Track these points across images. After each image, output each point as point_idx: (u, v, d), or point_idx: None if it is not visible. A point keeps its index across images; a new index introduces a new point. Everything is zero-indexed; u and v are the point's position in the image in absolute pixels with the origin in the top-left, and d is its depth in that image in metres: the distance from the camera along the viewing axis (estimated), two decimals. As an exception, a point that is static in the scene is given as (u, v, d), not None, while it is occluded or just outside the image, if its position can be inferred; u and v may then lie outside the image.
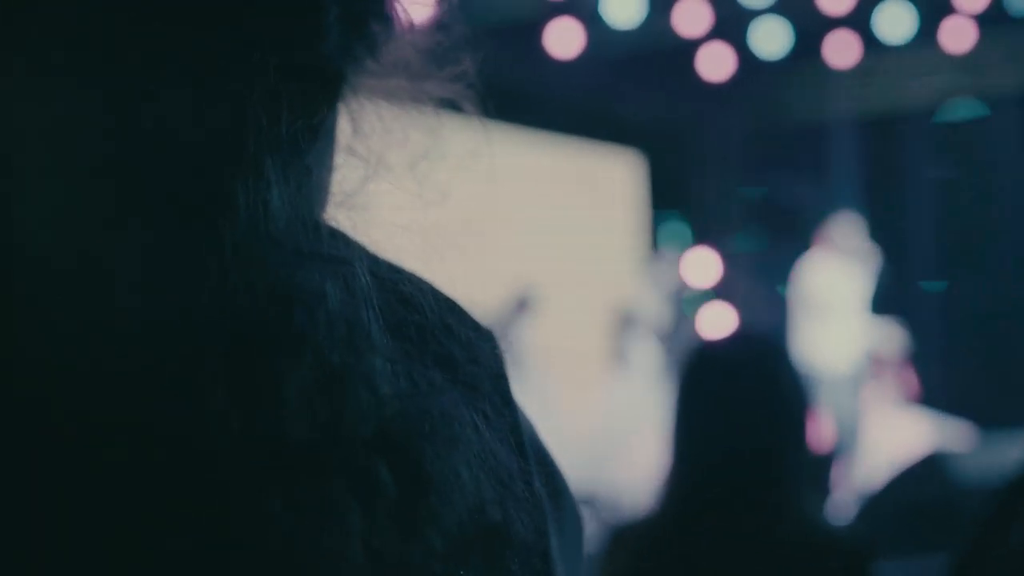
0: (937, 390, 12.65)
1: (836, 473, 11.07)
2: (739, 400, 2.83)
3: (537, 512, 0.77)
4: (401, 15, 0.85)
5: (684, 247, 19.47)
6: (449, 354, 0.77)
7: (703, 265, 12.96)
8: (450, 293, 0.81)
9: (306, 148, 0.77)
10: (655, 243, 19.33)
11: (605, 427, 11.02)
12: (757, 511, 2.76)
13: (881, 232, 22.40)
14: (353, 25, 0.81)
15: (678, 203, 21.58)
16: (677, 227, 20.74)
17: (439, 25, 0.90)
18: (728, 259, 18.59)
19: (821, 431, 5.62)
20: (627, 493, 9.26)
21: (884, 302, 11.22)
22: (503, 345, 0.82)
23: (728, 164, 20.73)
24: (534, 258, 15.05)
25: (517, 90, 17.70)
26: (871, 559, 2.83)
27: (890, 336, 11.27)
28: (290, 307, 0.70)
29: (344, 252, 0.76)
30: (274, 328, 0.69)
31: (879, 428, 10.52)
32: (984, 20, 14.40)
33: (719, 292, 14.65)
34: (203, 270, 0.68)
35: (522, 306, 11.50)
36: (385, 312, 0.74)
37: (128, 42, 0.71)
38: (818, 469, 5.48)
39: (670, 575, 2.80)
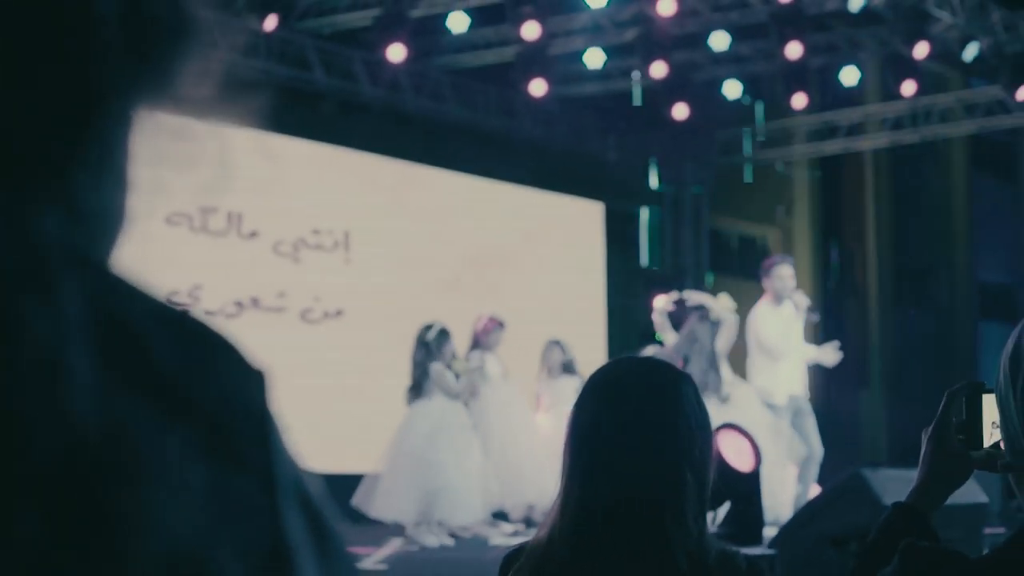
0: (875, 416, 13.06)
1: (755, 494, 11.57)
2: (637, 416, 2.77)
3: (273, 560, 0.73)
4: (201, 44, 0.81)
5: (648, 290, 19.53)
6: (186, 393, 0.72)
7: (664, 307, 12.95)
8: (222, 332, 0.77)
9: (70, 169, 0.75)
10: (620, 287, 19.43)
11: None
12: (646, 531, 2.69)
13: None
14: (137, 40, 0.77)
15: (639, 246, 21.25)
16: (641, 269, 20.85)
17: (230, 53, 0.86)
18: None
19: (744, 456, 5.78)
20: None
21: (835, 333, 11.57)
22: (270, 387, 0.78)
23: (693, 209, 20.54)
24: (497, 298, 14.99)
25: (490, 135, 17.97)
26: None
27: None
28: None
29: (73, 278, 0.71)
30: None
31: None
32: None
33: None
34: None
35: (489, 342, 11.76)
36: (105, 343, 0.70)
37: None
38: (732, 488, 5.56)
39: None
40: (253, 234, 14.66)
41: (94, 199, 0.77)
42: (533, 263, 17.17)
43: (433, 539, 10.79)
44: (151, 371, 0.71)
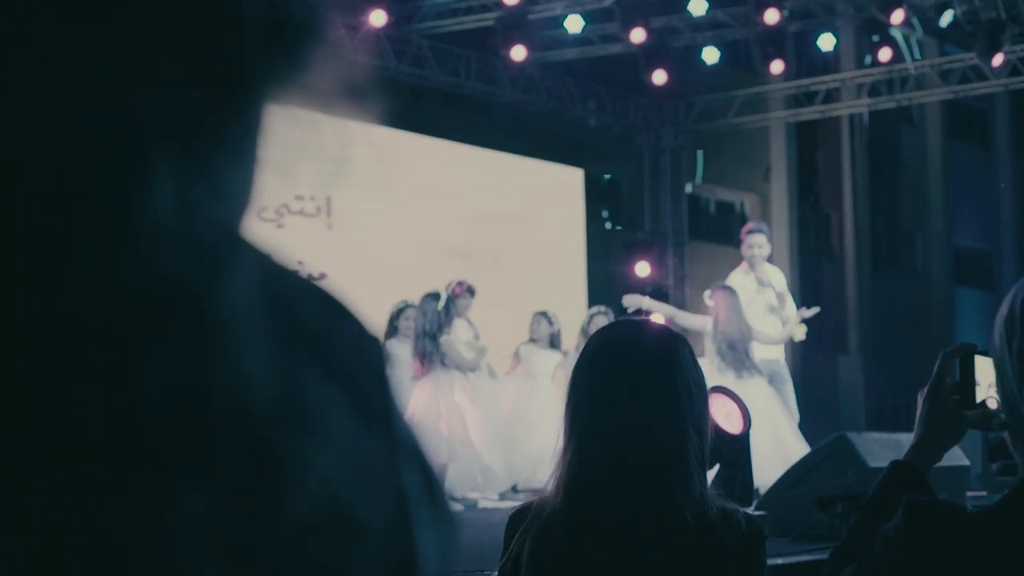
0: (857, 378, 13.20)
1: (744, 456, 11.67)
2: (637, 377, 2.81)
3: (400, 510, 0.77)
4: (329, 33, 0.86)
5: (629, 255, 19.61)
6: (331, 353, 0.77)
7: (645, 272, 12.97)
8: (342, 298, 0.82)
9: (212, 152, 0.78)
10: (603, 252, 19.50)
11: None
12: (651, 490, 2.74)
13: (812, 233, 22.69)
14: (275, 37, 0.81)
15: (622, 212, 21.25)
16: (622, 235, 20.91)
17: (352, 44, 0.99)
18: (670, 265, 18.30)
19: (733, 419, 5.84)
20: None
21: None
22: (385, 353, 0.83)
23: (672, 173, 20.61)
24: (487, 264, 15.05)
25: (471, 101, 18.00)
26: (763, 540, 2.87)
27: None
28: (165, 299, 0.70)
29: (238, 252, 0.77)
30: (145, 316, 0.69)
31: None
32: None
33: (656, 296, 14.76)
34: (86, 260, 0.69)
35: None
36: (271, 309, 0.75)
37: (23, 33, 0.71)
38: (722, 451, 5.62)
39: (567, 555, 2.77)
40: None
41: (232, 179, 0.81)
42: (514, 228, 17.23)
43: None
44: (306, 334, 0.76)
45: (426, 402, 11.04)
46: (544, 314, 12.90)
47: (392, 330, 11.58)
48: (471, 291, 11.91)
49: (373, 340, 0.83)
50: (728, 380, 10.44)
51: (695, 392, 2.83)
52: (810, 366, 20.21)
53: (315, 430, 0.73)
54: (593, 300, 18.05)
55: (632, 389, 2.79)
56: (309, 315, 0.79)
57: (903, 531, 2.08)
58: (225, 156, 0.80)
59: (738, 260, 12.32)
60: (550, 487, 2.84)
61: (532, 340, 12.87)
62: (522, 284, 15.65)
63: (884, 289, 27.19)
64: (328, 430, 0.74)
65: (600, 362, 2.87)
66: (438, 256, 15.65)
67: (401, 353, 11.44)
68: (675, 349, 2.86)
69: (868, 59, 18.98)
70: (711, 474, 6.68)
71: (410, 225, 15.98)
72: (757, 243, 11.81)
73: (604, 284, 18.88)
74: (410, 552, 0.78)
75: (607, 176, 20.59)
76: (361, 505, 0.74)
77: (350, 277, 15.02)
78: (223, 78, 0.78)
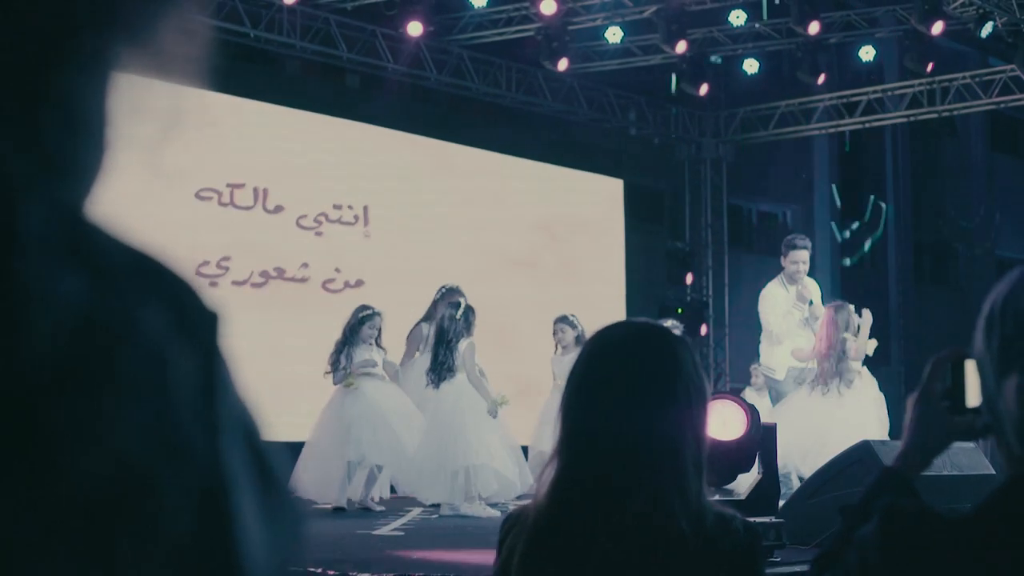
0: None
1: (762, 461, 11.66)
2: (634, 379, 2.76)
3: (210, 485, 0.75)
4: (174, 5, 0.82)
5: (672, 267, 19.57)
6: (139, 321, 0.74)
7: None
8: (183, 272, 0.79)
9: (39, 117, 0.75)
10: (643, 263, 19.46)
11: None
12: (644, 495, 2.69)
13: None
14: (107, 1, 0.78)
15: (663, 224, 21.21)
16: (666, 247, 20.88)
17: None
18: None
19: (729, 424, 5.75)
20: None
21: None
22: (223, 327, 0.80)
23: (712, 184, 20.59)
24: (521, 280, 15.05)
25: (511, 112, 18.04)
26: (760, 548, 2.83)
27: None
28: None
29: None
30: None
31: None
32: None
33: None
34: None
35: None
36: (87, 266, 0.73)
37: None
38: (736, 456, 5.55)
39: (556, 560, 2.73)
40: (278, 208, 14.92)
41: (66, 148, 0.77)
42: (553, 239, 17.27)
43: (478, 507, 10.77)
44: (110, 292, 0.74)
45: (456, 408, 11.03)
46: (564, 319, 12.74)
47: (353, 337, 11.51)
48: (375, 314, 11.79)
49: (203, 314, 0.79)
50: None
51: (694, 396, 2.76)
52: (851, 378, 20.09)
53: (106, 397, 0.71)
54: (632, 311, 18.06)
55: (628, 391, 2.74)
56: (120, 280, 0.75)
57: (876, 536, 2.09)
58: (54, 124, 0.76)
59: (779, 271, 12.26)
60: (542, 490, 2.79)
61: (560, 348, 12.75)
62: (560, 294, 15.65)
63: (926, 301, 27.06)
64: (124, 400, 0.71)
65: (596, 363, 2.81)
66: (476, 266, 15.68)
67: (365, 357, 11.44)
68: (675, 351, 2.79)
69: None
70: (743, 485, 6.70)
71: (448, 235, 16.03)
72: (801, 259, 11.78)
73: (644, 294, 18.88)
74: (222, 542, 0.75)
75: (648, 187, 20.52)
76: (160, 485, 0.72)
77: (387, 281, 15.10)
78: (53, 37, 0.75)
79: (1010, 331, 2.07)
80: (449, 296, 11.72)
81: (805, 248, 11.87)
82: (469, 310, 11.25)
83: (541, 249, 17.02)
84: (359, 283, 15.41)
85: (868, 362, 11.92)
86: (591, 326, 12.92)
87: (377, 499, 11.62)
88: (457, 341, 11.10)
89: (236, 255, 14.50)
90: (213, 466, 0.75)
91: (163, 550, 0.72)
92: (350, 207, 15.56)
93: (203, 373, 0.77)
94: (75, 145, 0.78)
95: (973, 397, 2.38)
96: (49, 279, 0.71)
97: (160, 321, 0.75)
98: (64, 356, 0.70)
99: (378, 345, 11.58)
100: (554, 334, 12.63)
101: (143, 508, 0.71)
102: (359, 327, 11.53)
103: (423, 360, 11.44)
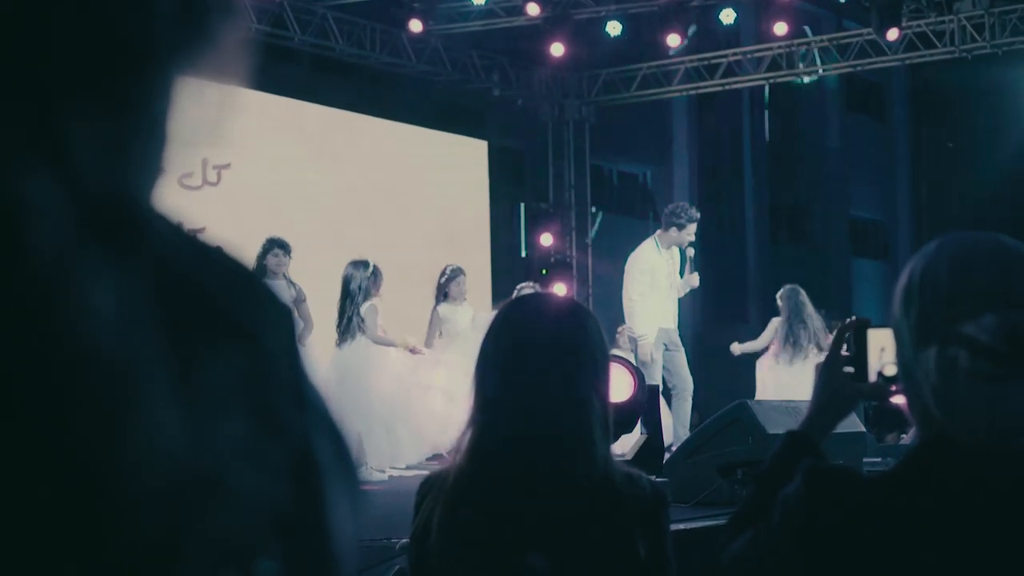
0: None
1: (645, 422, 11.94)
2: (544, 346, 2.87)
3: (297, 469, 0.80)
4: (238, 13, 0.89)
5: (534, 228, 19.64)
6: (238, 324, 0.80)
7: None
8: (250, 270, 0.85)
9: (117, 121, 0.80)
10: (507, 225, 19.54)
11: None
12: (555, 455, 2.81)
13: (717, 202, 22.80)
14: (190, 15, 0.85)
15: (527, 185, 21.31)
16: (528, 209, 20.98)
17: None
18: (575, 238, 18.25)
19: (620, 384, 5.86)
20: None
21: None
22: (295, 321, 0.85)
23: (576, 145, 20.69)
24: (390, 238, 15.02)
25: (375, 73, 17.95)
26: (667, 504, 2.96)
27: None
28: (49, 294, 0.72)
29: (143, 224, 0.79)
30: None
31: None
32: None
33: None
34: None
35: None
36: (174, 281, 0.78)
37: None
38: (623, 417, 5.67)
39: (474, 520, 2.83)
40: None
41: (141, 147, 0.83)
42: (419, 201, 17.27)
43: (378, 475, 10.78)
44: (204, 300, 0.80)
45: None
46: (460, 270, 12.80)
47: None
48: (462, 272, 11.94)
49: (284, 310, 0.86)
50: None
51: (599, 361, 2.91)
52: (710, 336, 20.43)
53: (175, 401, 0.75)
54: (497, 272, 18.14)
55: (536, 358, 2.86)
56: (211, 284, 0.82)
57: (802, 495, 2.17)
58: (134, 125, 0.82)
59: (640, 231, 12.42)
60: (458, 454, 2.90)
61: (451, 299, 12.72)
62: (424, 255, 15.65)
63: (783, 260, 27.51)
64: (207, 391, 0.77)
65: (506, 332, 2.93)
66: (341, 228, 15.62)
67: None
68: (580, 320, 2.94)
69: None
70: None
71: (309, 195, 15.92)
72: (694, 231, 12.05)
73: (508, 256, 18.96)
74: (316, 512, 0.82)
75: (512, 147, 20.57)
76: (232, 469, 0.77)
77: (243, 245, 14.93)
78: (134, 49, 0.81)
79: (928, 303, 2.16)
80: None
81: (697, 220, 12.12)
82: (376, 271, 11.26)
83: (405, 211, 16.98)
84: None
85: (729, 319, 12.23)
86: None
87: None
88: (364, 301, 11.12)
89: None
90: (304, 443, 0.82)
91: (266, 513, 0.78)
92: (215, 167, 15.37)
93: (293, 362, 0.84)
94: (149, 146, 0.85)
95: (875, 364, 2.48)
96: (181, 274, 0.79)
97: (253, 315, 0.83)
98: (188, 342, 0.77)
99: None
100: (449, 283, 12.56)
101: (247, 474, 0.77)
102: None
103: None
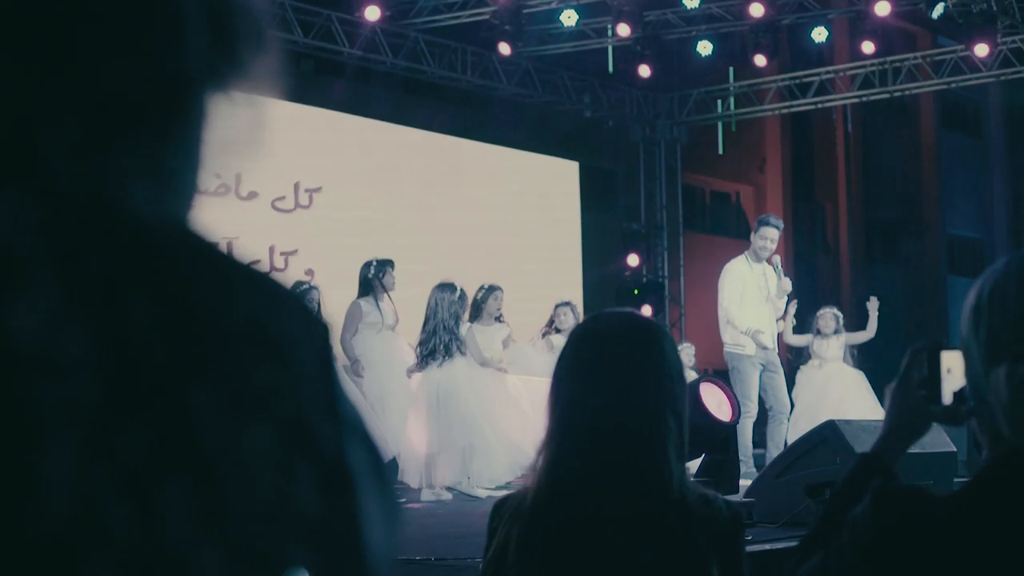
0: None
1: (730, 446, 11.88)
2: (618, 366, 2.85)
3: (339, 484, 0.83)
4: (270, 36, 0.92)
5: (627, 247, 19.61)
6: (273, 340, 0.82)
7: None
8: (284, 285, 0.87)
9: (160, 148, 0.85)
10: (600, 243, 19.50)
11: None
12: (627, 475, 2.78)
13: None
14: (221, 44, 0.89)
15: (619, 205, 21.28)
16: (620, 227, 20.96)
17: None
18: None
19: (723, 407, 5.85)
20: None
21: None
22: (330, 334, 0.87)
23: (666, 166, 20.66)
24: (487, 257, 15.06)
25: (467, 95, 18.05)
26: (743, 527, 2.91)
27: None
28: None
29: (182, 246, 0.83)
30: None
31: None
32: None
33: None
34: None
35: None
36: (210, 296, 0.81)
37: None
38: (711, 438, 5.64)
39: (551, 543, 2.81)
40: (251, 194, 14.80)
41: (178, 172, 0.87)
42: (510, 221, 17.31)
43: (481, 492, 10.78)
44: (246, 324, 0.82)
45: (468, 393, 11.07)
46: (569, 304, 12.88)
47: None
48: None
49: (318, 325, 0.88)
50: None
51: (676, 381, 2.88)
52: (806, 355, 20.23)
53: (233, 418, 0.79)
54: (588, 292, 18.13)
55: (612, 377, 2.84)
56: (251, 304, 0.84)
57: (871, 516, 2.16)
58: (173, 152, 0.86)
59: (733, 250, 12.36)
60: (533, 476, 2.88)
61: (558, 331, 12.78)
62: (518, 276, 15.68)
63: (879, 279, 27.27)
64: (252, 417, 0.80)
65: (582, 352, 2.91)
66: (434, 248, 15.69)
67: None
68: (656, 339, 2.91)
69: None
70: (696, 463, 6.82)
71: (400, 218, 15.99)
72: (771, 236, 11.91)
73: (600, 276, 18.94)
74: (350, 523, 0.83)
75: (603, 168, 20.57)
76: (293, 477, 0.80)
77: (336, 267, 15.01)
78: (170, 78, 0.85)
79: (998, 321, 2.15)
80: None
81: (776, 227, 12.00)
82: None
83: (498, 232, 17.03)
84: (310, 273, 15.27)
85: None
86: (548, 308, 13.01)
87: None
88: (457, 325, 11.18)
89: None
90: (337, 455, 0.84)
91: (297, 523, 0.80)
92: (307, 190, 15.51)
93: (326, 376, 0.86)
94: (186, 167, 0.89)
95: (948, 388, 2.46)
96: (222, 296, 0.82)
97: (284, 329, 0.85)
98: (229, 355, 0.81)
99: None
100: (558, 317, 12.63)
101: (280, 485, 0.80)
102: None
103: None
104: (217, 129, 0.90)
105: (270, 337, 0.83)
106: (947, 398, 2.42)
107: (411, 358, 11.22)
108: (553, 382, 2.93)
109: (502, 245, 16.94)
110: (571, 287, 17.76)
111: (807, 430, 7.36)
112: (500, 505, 2.95)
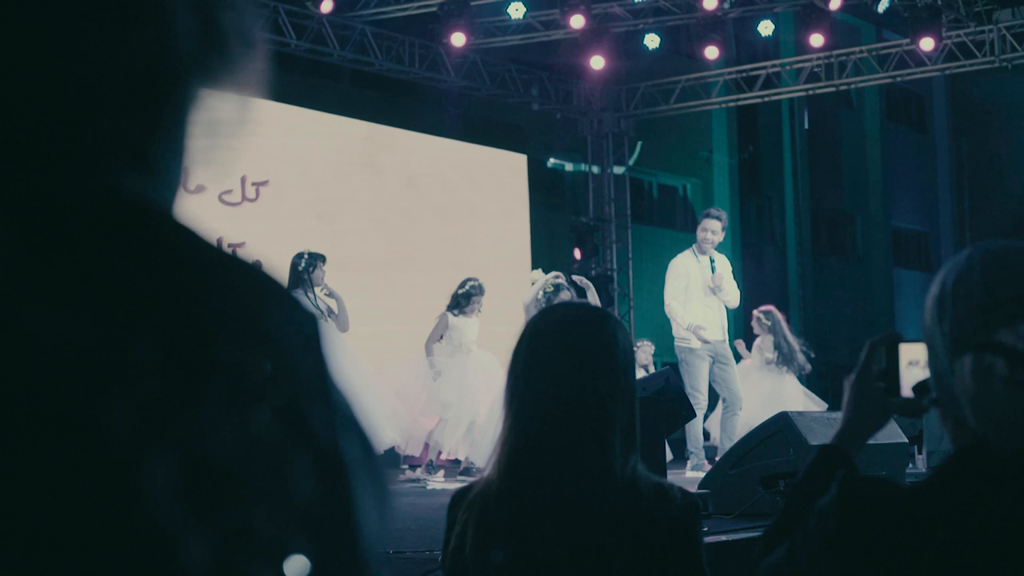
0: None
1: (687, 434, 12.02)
2: (569, 355, 2.87)
3: (326, 467, 0.83)
4: (257, 30, 0.94)
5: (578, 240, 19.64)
6: (265, 331, 0.83)
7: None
8: (274, 277, 0.88)
9: (151, 141, 0.87)
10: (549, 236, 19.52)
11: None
12: (575, 465, 2.81)
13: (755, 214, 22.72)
14: (209, 35, 0.90)
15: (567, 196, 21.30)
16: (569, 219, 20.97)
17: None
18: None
19: (676, 399, 5.88)
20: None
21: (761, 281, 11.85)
22: (320, 326, 0.88)
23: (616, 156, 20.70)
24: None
25: (414, 88, 17.99)
26: (699, 514, 2.92)
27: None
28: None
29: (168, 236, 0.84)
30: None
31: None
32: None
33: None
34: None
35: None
36: (202, 288, 0.82)
37: None
38: (659, 429, 5.64)
39: (509, 532, 2.83)
40: (199, 188, 14.73)
41: (166, 162, 0.88)
42: (456, 214, 17.29)
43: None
44: (225, 306, 0.83)
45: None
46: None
47: None
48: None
49: (308, 316, 0.89)
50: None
51: (628, 371, 2.91)
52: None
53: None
54: (537, 285, 18.08)
55: (558, 366, 2.86)
56: (243, 294, 0.85)
57: (838, 506, 2.16)
58: (160, 143, 0.87)
59: (681, 243, 12.40)
60: (490, 466, 2.91)
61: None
62: (465, 270, 15.67)
63: (825, 272, 27.43)
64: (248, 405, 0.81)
65: (536, 343, 2.93)
66: (379, 242, 15.65)
67: None
68: (610, 330, 2.92)
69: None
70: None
71: (347, 210, 15.95)
72: (712, 228, 11.94)
73: (548, 269, 18.92)
74: (345, 511, 0.84)
75: (551, 161, 20.60)
76: (286, 450, 0.81)
77: (283, 260, 14.96)
78: (158, 72, 0.86)
79: (962, 311, 2.15)
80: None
81: (717, 219, 12.03)
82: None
83: (445, 225, 17.00)
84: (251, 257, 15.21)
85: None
86: (495, 301, 13.07)
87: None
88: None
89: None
90: (331, 443, 0.84)
91: (293, 511, 0.81)
92: (254, 184, 15.43)
93: (317, 366, 0.87)
94: (172, 161, 0.90)
95: (908, 380, 2.47)
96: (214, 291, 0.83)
97: (276, 321, 0.86)
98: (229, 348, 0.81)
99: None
100: (470, 297, 12.70)
101: (278, 474, 0.80)
102: None
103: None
104: (203, 119, 0.91)
105: (262, 327, 0.84)
106: (906, 391, 2.43)
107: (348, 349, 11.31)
108: (508, 374, 2.94)
109: (450, 237, 16.91)
110: (519, 281, 17.75)
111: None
112: (458, 497, 2.96)
